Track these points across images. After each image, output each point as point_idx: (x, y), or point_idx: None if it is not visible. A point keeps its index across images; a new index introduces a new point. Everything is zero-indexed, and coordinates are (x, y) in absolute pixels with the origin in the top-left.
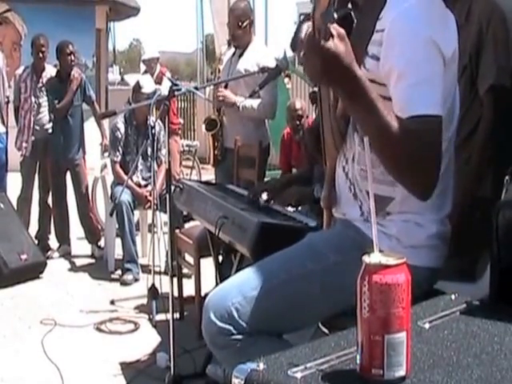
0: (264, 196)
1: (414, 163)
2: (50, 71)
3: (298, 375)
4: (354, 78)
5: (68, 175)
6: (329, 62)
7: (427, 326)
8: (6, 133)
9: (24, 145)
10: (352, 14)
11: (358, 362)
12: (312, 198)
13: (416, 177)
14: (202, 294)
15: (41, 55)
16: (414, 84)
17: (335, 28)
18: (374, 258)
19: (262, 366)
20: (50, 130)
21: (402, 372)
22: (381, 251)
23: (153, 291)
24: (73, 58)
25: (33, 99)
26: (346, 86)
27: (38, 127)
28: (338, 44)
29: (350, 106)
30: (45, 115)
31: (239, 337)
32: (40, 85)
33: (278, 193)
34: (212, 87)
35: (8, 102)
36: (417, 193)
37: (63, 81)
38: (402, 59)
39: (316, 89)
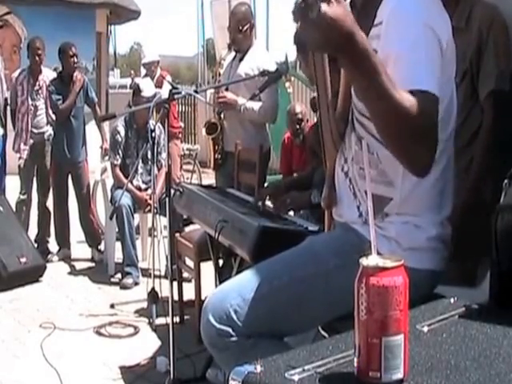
0: (268, 202)
1: (416, 134)
2: (47, 74)
3: (296, 378)
4: (357, 42)
5: (69, 178)
6: (328, 29)
7: (426, 329)
8: (5, 135)
9: (22, 147)
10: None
11: (356, 364)
12: (310, 203)
13: (417, 148)
14: (202, 297)
15: (37, 58)
16: (413, 62)
17: None
18: (371, 260)
19: (259, 368)
20: (52, 132)
21: (399, 375)
22: (380, 254)
23: (153, 295)
24: (75, 59)
25: (30, 102)
26: (349, 50)
27: (35, 130)
28: (335, 8)
29: (354, 73)
30: (42, 118)
31: (238, 339)
32: (37, 88)
33: (279, 197)
34: (213, 91)
35: (7, 105)
36: (415, 166)
37: (65, 82)
38: (402, 43)
39: (315, 94)
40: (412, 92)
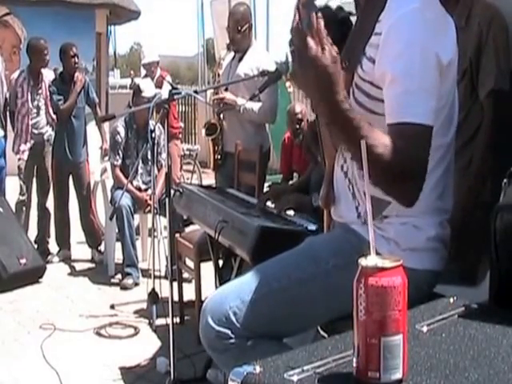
0: (270, 204)
1: (398, 179)
2: (46, 74)
3: (295, 378)
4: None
5: (70, 178)
6: (322, 78)
7: (425, 329)
8: (5, 136)
9: (22, 149)
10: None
11: (355, 364)
12: (311, 206)
13: (401, 188)
14: (203, 298)
15: (47, 59)
16: (406, 91)
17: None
18: (370, 260)
19: (258, 368)
20: (51, 133)
21: (398, 375)
22: (379, 254)
23: (153, 295)
24: (76, 60)
25: (30, 103)
26: (330, 110)
27: (35, 131)
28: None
29: (335, 130)
30: (42, 118)
31: (237, 341)
32: (37, 88)
33: (281, 198)
34: (213, 91)
35: (7, 106)
36: (402, 201)
37: (66, 83)
38: (397, 65)
39: None
40: (401, 124)
